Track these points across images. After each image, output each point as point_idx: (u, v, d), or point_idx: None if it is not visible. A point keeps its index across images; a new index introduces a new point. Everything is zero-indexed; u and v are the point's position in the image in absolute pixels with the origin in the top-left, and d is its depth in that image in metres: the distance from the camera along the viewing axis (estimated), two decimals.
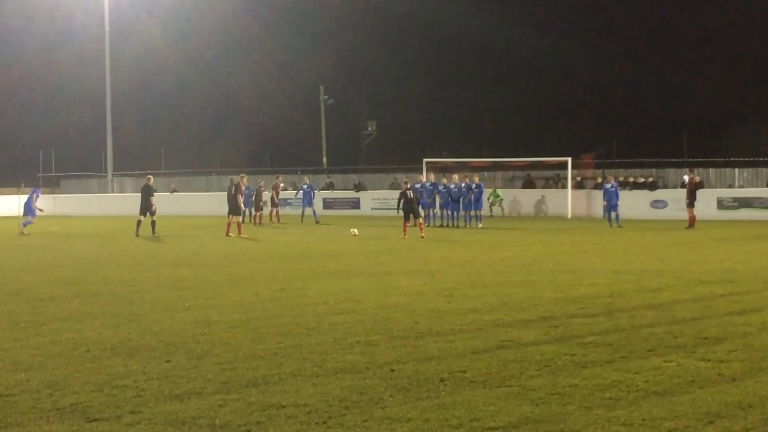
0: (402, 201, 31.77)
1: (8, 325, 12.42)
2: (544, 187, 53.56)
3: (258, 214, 42.69)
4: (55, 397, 8.54)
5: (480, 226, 38.27)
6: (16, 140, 77.87)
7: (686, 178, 48.26)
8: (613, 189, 38.13)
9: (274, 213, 44.39)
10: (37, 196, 38.82)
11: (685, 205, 36.94)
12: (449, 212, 40.00)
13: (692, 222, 35.80)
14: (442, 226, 39.17)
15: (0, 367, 9.75)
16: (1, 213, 56.58)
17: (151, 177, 36.06)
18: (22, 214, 38.00)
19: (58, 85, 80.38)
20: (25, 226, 36.37)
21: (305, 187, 45.68)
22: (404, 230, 30.95)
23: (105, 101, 64.31)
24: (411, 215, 31.45)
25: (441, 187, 40.00)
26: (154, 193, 34.58)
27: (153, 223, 33.56)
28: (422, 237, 30.39)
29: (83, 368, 9.68)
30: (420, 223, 31.80)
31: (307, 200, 45.24)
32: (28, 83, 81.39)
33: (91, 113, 73.86)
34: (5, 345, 11.01)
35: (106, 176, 67.06)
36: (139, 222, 33.71)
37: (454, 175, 41.58)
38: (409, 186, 32.67)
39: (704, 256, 23.11)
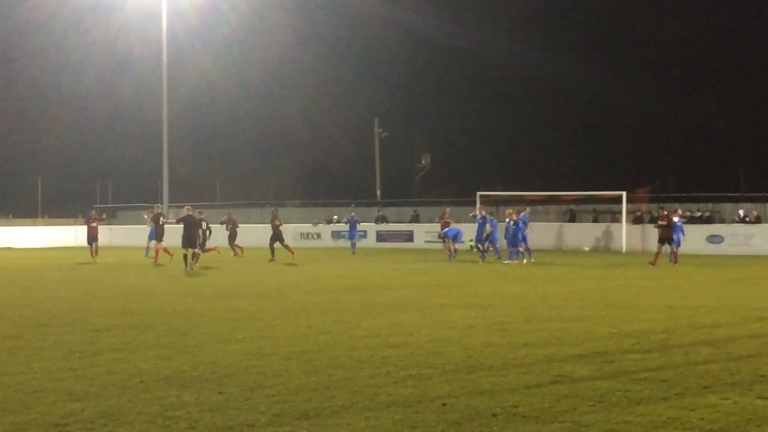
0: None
1: (63, 355, 12.54)
2: (597, 220, 53.13)
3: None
4: (109, 428, 8.60)
5: (524, 261, 37.12)
6: (74, 171, 79.10)
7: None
8: (678, 224, 37.12)
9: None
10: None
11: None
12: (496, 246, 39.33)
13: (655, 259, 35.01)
14: (499, 259, 38.31)
15: (55, 397, 9.82)
16: (58, 243, 57.54)
17: (191, 207, 35.49)
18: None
19: (116, 117, 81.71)
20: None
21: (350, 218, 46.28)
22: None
23: (161, 133, 65.03)
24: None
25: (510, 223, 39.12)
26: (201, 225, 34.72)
27: (195, 255, 33.40)
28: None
29: (137, 399, 9.74)
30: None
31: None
32: (86, 115, 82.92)
33: (148, 145, 74.78)
34: (60, 375, 11.11)
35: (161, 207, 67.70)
36: (185, 256, 33.14)
37: (508, 209, 40.83)
38: (277, 216, 33.81)
39: (762, 292, 22.77)
